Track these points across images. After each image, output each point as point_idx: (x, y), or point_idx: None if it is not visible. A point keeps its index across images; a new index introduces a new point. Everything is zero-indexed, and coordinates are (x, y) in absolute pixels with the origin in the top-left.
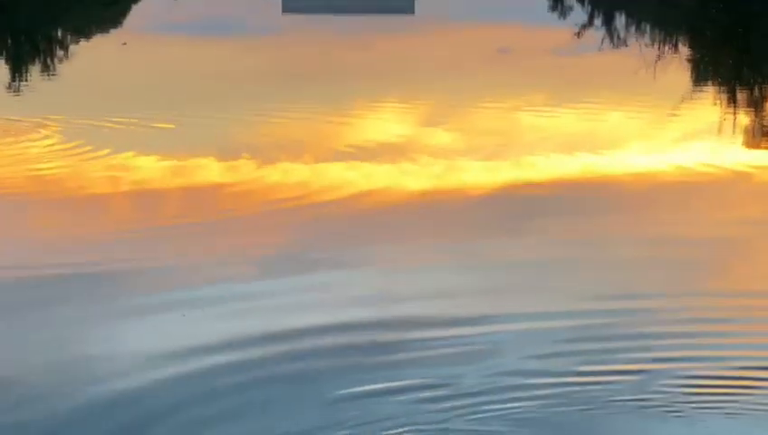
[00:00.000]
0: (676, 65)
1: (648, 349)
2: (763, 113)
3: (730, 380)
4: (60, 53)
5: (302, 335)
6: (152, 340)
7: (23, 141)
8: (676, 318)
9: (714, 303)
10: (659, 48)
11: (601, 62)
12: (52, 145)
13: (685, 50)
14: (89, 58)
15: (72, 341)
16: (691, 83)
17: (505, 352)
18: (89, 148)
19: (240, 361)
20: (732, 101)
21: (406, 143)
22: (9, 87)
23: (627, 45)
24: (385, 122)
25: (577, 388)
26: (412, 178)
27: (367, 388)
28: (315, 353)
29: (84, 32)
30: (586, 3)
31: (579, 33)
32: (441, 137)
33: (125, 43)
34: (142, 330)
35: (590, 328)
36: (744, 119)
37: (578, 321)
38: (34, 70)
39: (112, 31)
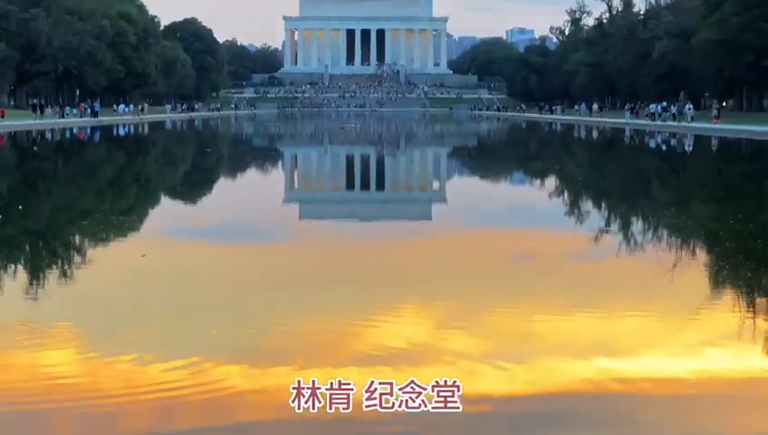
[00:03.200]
0: (694, 271)
1: None
2: None
3: None
4: (78, 259)
5: None
6: None
7: (38, 348)
8: None
9: None
10: (677, 254)
11: (619, 267)
12: (70, 351)
13: (703, 256)
14: (107, 268)
15: None
16: (709, 290)
17: None
18: (107, 355)
19: None
20: (751, 308)
21: (421, 348)
22: (27, 292)
23: (644, 250)
24: (401, 326)
25: None
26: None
27: None
28: None
29: (102, 238)
30: (603, 207)
31: (596, 237)
32: (458, 341)
33: (144, 255)
34: None
35: None
36: (765, 326)
37: None
38: (52, 277)
39: (131, 236)
